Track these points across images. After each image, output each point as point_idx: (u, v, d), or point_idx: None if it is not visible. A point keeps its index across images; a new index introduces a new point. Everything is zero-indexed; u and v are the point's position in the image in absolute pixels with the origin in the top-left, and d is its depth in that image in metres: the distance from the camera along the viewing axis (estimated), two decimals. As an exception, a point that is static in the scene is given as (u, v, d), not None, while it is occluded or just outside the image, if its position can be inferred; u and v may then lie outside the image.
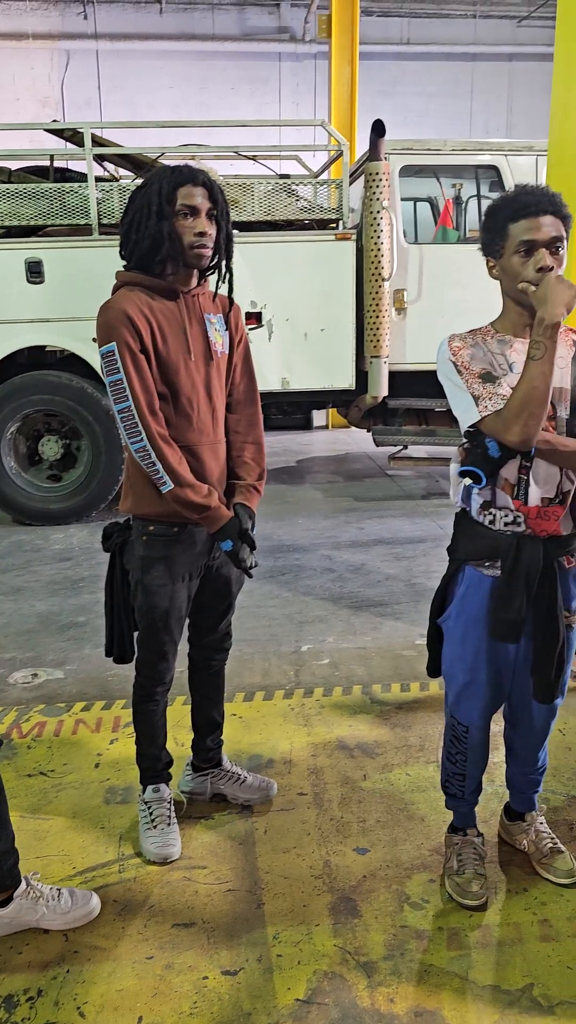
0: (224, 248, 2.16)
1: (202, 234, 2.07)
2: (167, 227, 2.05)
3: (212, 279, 2.26)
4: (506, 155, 5.94)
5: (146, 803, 2.41)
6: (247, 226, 5.84)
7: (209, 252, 2.12)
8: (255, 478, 2.34)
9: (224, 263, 2.19)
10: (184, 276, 2.15)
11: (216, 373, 2.23)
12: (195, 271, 2.17)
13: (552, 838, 2.30)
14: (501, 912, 2.12)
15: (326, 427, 10.28)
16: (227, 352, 2.27)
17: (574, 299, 1.78)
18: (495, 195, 6.28)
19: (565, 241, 1.87)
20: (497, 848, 2.37)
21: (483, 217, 1.96)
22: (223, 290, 2.24)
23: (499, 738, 2.76)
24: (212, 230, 2.10)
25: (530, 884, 2.22)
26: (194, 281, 2.18)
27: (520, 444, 1.83)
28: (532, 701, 2.11)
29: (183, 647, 2.42)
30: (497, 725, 2.29)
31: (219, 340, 2.23)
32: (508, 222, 1.87)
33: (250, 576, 2.27)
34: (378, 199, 5.64)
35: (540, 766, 2.29)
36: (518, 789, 2.34)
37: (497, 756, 2.78)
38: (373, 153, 5.64)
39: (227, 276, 2.20)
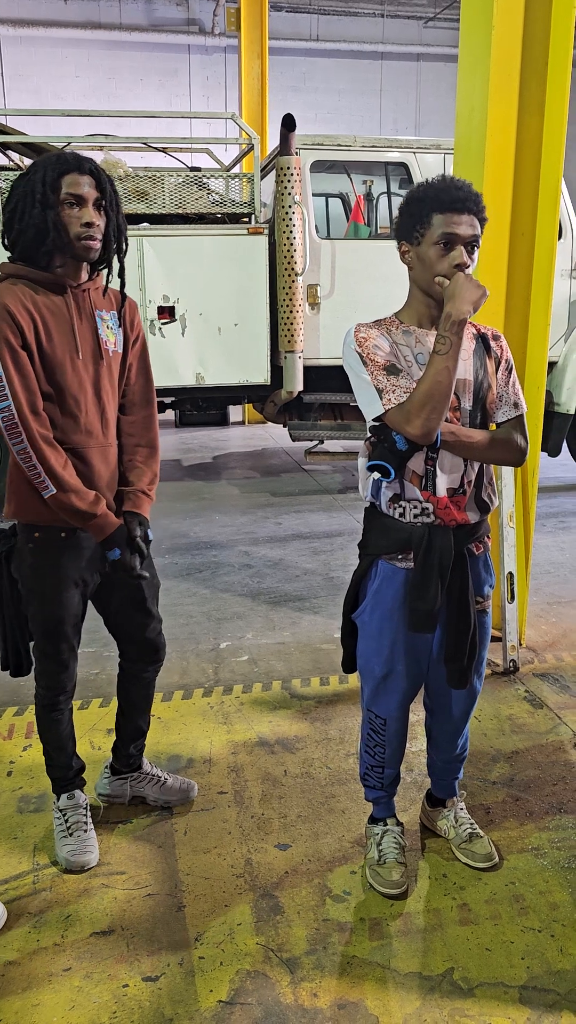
0: (115, 240, 2.07)
1: (89, 224, 1.97)
2: (52, 216, 1.95)
3: (106, 274, 2.16)
4: (415, 152, 6.03)
5: (61, 810, 2.34)
6: (158, 219, 5.75)
7: (97, 244, 2.02)
8: (146, 483, 2.23)
9: (116, 256, 2.10)
10: (72, 269, 2.05)
11: (107, 372, 2.13)
12: (84, 264, 2.07)
13: (471, 823, 2.34)
14: (421, 899, 2.15)
15: (242, 423, 10.24)
16: (120, 351, 2.17)
17: (482, 299, 1.83)
18: (405, 192, 6.39)
19: (479, 242, 1.91)
20: (417, 836, 2.40)
21: (404, 201, 1.94)
22: (119, 285, 2.14)
23: (418, 727, 2.80)
24: (100, 221, 2.00)
25: (449, 870, 2.26)
26: (84, 275, 2.08)
27: (422, 437, 1.85)
28: (449, 688, 2.15)
29: (113, 654, 2.34)
30: (416, 715, 2.32)
31: (111, 338, 2.13)
32: (433, 211, 1.87)
33: (135, 582, 2.20)
34: (290, 194, 5.64)
35: (460, 752, 2.33)
36: (439, 776, 2.37)
37: (416, 745, 2.81)
38: (284, 147, 5.63)
39: (119, 270, 2.11)
